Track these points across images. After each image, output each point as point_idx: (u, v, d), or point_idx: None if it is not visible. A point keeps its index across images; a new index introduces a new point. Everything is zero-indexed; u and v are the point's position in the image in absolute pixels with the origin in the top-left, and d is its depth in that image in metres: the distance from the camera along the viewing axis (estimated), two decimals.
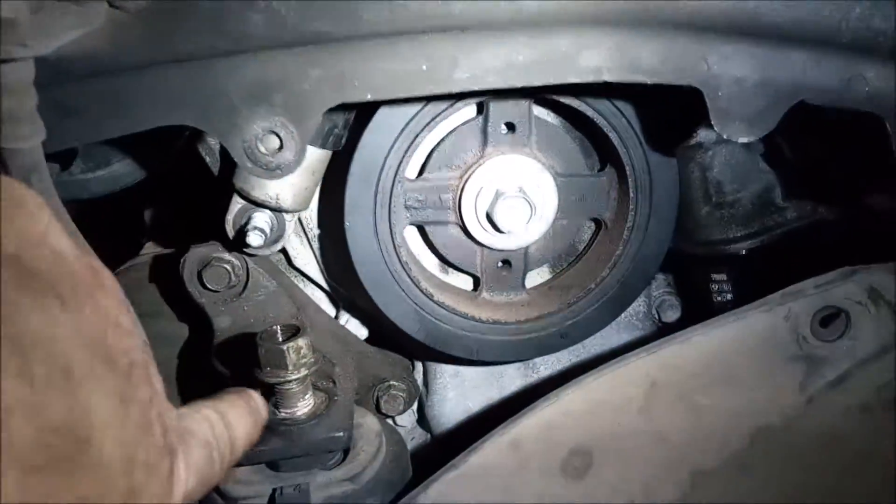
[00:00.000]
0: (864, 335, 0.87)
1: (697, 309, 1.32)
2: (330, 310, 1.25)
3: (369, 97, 0.77)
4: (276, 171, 0.78)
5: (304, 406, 0.95)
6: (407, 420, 1.34)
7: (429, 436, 1.34)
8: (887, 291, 0.86)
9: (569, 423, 0.92)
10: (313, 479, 0.93)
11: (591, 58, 0.78)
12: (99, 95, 0.72)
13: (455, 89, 0.78)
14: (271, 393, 0.93)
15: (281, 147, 0.77)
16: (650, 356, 0.91)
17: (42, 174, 0.67)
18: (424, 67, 0.76)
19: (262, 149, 0.76)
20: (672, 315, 1.35)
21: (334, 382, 1.02)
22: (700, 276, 1.32)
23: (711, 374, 0.91)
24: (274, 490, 0.92)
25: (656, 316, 1.36)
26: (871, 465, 0.89)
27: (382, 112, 1.01)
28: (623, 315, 1.24)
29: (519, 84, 0.79)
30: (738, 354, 0.90)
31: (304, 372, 0.90)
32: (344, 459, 0.98)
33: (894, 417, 0.87)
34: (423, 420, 1.33)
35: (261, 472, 0.96)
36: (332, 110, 0.79)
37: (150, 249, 1.47)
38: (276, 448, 0.93)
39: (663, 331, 1.34)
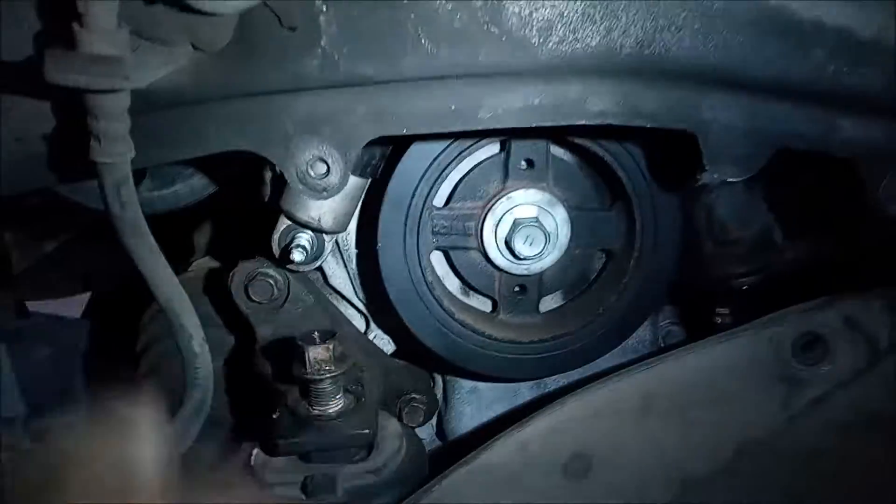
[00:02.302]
0: (842, 360, 0.96)
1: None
2: (359, 325, 1.37)
3: (405, 131, 0.89)
4: (322, 193, 0.91)
5: (335, 405, 1.05)
6: (426, 433, 1.43)
7: (446, 446, 1.43)
8: (862, 320, 0.95)
9: (572, 429, 1.02)
10: (340, 471, 1.04)
11: (598, 103, 0.89)
12: (176, 123, 0.86)
13: (479, 127, 0.90)
14: (307, 390, 1.04)
15: (328, 172, 0.89)
16: (647, 371, 1.01)
17: (129, 186, 0.80)
18: (453, 107, 0.89)
19: (312, 173, 0.89)
20: None
21: (362, 386, 1.13)
22: (704, 310, 1.42)
23: (702, 389, 1.00)
24: (305, 478, 1.03)
25: (662, 345, 1.44)
26: (848, 480, 0.97)
27: (415, 146, 1.13)
28: (630, 342, 1.33)
29: (534, 124, 0.91)
30: (726, 373, 0.99)
31: (336, 372, 1.01)
32: (368, 455, 1.09)
33: (869, 437, 0.95)
34: (441, 432, 1.43)
35: (294, 463, 1.07)
36: (370, 143, 0.91)
37: (197, 266, 1.61)
38: (308, 440, 1.04)
39: None
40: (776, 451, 0.98)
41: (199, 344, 0.91)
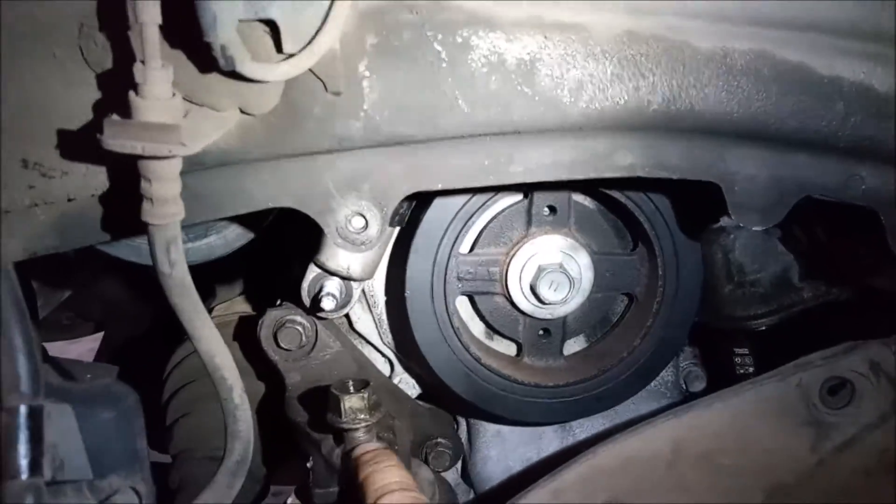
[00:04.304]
0: (867, 404, 0.98)
1: (722, 380, 1.42)
2: (384, 369, 1.39)
3: (440, 186, 0.92)
4: (361, 247, 0.93)
5: None
6: (451, 477, 1.44)
7: (472, 492, 1.44)
8: (886, 364, 0.97)
9: (604, 478, 1.03)
10: None
11: (625, 157, 0.93)
12: (223, 182, 0.89)
13: (510, 181, 0.93)
14: (341, 438, 1.05)
15: (366, 226, 0.92)
16: (676, 419, 1.03)
17: (178, 245, 0.82)
18: (486, 163, 0.92)
19: (351, 228, 0.92)
20: (698, 385, 1.46)
21: (394, 434, 1.14)
22: (724, 350, 1.44)
23: (731, 436, 1.02)
24: None
25: (683, 386, 1.46)
26: None
27: (442, 196, 1.16)
28: (653, 384, 1.35)
29: (564, 178, 0.94)
30: (755, 419, 1.01)
31: (371, 421, 1.03)
32: None
33: (894, 480, 0.97)
34: (466, 476, 1.44)
35: None
36: None
37: (218, 312, 1.63)
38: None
39: (689, 400, 1.44)
40: (805, 495, 0.99)
41: (240, 395, 0.92)
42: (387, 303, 1.27)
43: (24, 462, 0.62)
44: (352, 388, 1.04)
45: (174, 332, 1.57)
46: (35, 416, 0.62)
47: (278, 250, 1.45)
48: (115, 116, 0.75)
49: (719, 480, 1.00)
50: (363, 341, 1.36)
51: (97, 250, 1.13)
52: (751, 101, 0.90)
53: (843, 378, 0.98)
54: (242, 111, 0.83)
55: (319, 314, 1.20)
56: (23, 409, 0.62)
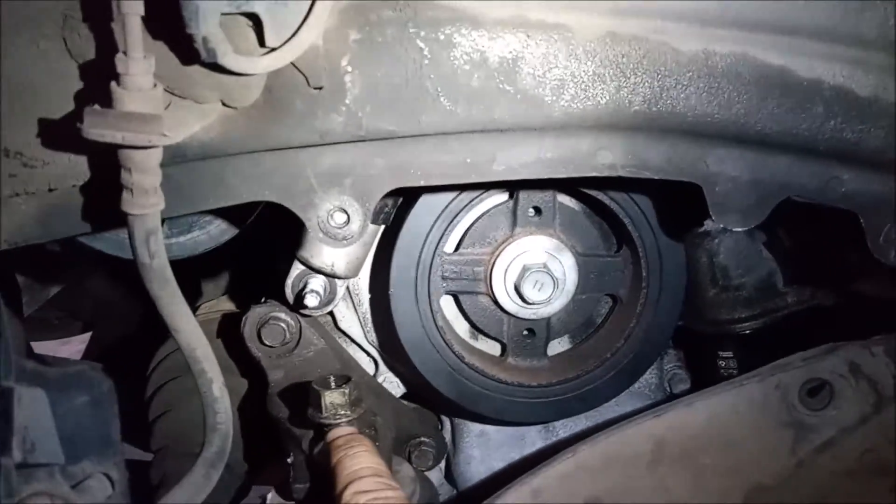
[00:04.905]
0: (847, 405, 0.99)
1: (706, 383, 1.42)
2: (369, 368, 1.38)
3: (422, 183, 0.93)
4: (342, 242, 0.93)
5: None
6: (435, 476, 1.44)
7: (455, 491, 1.44)
8: (866, 365, 0.97)
9: (584, 476, 1.03)
10: None
11: (607, 156, 0.93)
12: (204, 175, 0.89)
13: (493, 178, 0.94)
14: (322, 434, 1.05)
15: (348, 222, 0.92)
16: (657, 418, 1.03)
17: (158, 237, 0.82)
18: (468, 160, 0.92)
19: (333, 223, 0.92)
20: (682, 388, 1.46)
21: (376, 430, 1.14)
22: (708, 353, 1.44)
23: (712, 436, 1.02)
24: None
25: (668, 388, 1.46)
26: None
27: (427, 195, 1.16)
28: (637, 385, 1.35)
29: (546, 176, 0.94)
30: (735, 419, 1.01)
31: (352, 417, 1.03)
32: None
33: (874, 482, 0.97)
34: (449, 476, 1.44)
35: None
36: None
37: (206, 308, 1.63)
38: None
39: None
40: (784, 496, 1.00)
41: (220, 388, 0.92)
42: (371, 301, 1.28)
43: None
44: (333, 383, 1.04)
45: (162, 331, 1.57)
46: (4, 397, 0.62)
47: (262, 248, 1.45)
48: (96, 106, 0.75)
49: (700, 480, 1.00)
50: (347, 340, 1.36)
51: (83, 245, 1.13)
52: (732, 103, 0.91)
53: (822, 379, 0.98)
54: (224, 104, 0.83)
55: (303, 311, 1.20)
56: None
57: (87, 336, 2.50)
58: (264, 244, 1.44)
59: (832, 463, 0.99)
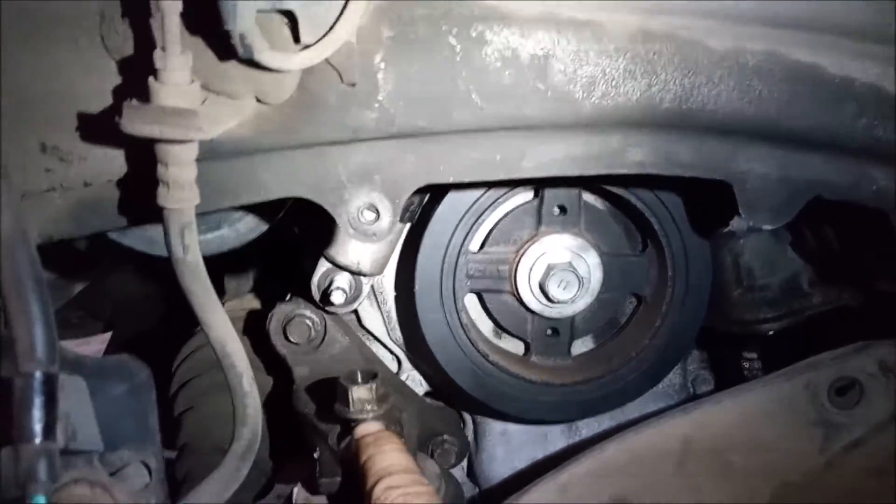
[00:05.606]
0: (877, 404, 0.98)
1: (729, 384, 1.42)
2: (392, 366, 1.39)
3: (451, 180, 0.93)
4: (371, 238, 0.94)
5: None
6: (457, 475, 1.44)
7: (477, 489, 1.44)
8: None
9: (612, 474, 1.03)
10: None
11: (637, 154, 0.93)
12: (236, 171, 0.90)
13: (522, 176, 0.94)
14: (348, 429, 1.06)
15: (377, 218, 0.93)
16: (686, 416, 1.03)
17: (192, 231, 0.83)
18: (498, 157, 0.92)
19: (362, 219, 0.93)
20: (705, 389, 1.45)
21: (401, 427, 1.15)
22: (733, 354, 1.44)
23: (740, 434, 1.02)
24: None
25: (691, 390, 1.46)
26: None
27: (452, 194, 1.17)
28: (661, 386, 1.35)
29: (575, 173, 0.94)
30: (764, 418, 1.01)
31: (378, 412, 1.03)
32: None
33: None
34: (471, 475, 1.44)
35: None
36: None
37: (228, 309, 1.64)
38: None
39: None
40: (813, 495, 0.99)
41: (249, 383, 0.93)
42: (396, 299, 1.28)
43: (38, 426, 0.62)
44: (360, 378, 1.04)
45: (183, 331, 1.58)
46: (50, 383, 0.63)
47: (288, 247, 1.46)
48: (134, 101, 0.76)
49: (727, 479, 1.00)
50: (371, 338, 1.36)
51: (109, 244, 1.14)
52: (763, 100, 0.91)
53: (852, 378, 0.98)
54: (259, 100, 0.84)
55: (329, 308, 1.21)
56: (38, 375, 0.63)
57: (107, 336, 2.51)
58: (288, 244, 1.45)
59: (861, 462, 0.98)
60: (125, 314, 2.38)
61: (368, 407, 1.03)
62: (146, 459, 0.76)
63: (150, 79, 0.76)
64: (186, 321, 1.56)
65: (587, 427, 1.40)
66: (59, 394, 0.63)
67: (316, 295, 1.20)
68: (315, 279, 1.21)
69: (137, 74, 0.77)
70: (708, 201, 1.18)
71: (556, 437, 1.41)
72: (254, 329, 1.40)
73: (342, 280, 1.20)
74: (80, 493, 0.69)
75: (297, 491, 1.10)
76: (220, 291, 1.68)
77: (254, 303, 1.60)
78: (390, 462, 0.92)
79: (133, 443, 0.76)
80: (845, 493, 0.98)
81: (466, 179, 0.94)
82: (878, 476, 0.97)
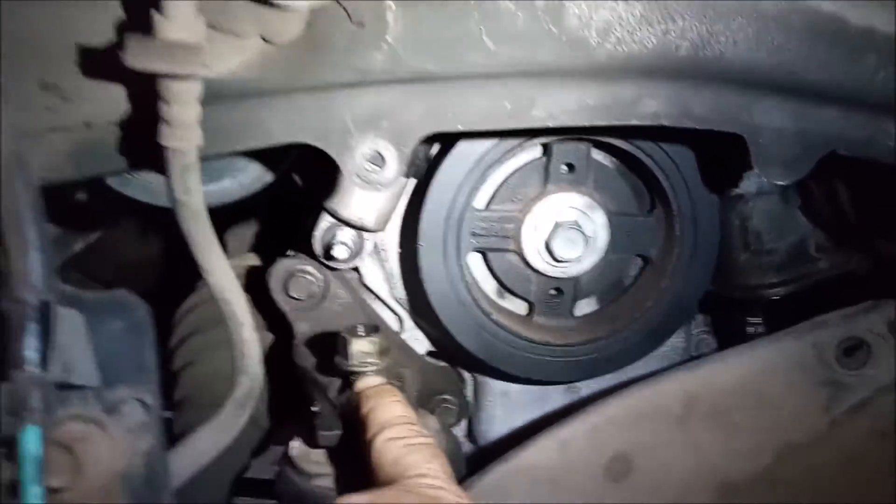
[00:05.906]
0: (884, 365, 0.97)
1: None
2: (393, 325, 1.38)
3: (459, 127, 0.91)
4: (376, 187, 0.92)
5: None
6: (457, 433, 1.44)
7: (480, 448, 1.44)
8: None
9: (613, 430, 1.03)
10: None
11: (650, 104, 0.91)
12: (240, 115, 0.87)
13: (532, 125, 0.92)
14: (348, 382, 1.05)
15: (383, 166, 0.91)
16: (689, 373, 1.02)
17: (195, 173, 0.81)
18: (508, 105, 0.90)
19: (367, 167, 0.91)
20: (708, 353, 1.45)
21: (402, 382, 1.14)
22: (737, 319, 1.42)
23: (744, 393, 1.01)
24: None
25: (694, 353, 1.45)
26: (887, 486, 0.97)
27: (457, 148, 1.15)
28: (663, 349, 1.34)
29: (587, 123, 0.93)
30: (769, 376, 1.00)
31: (380, 366, 1.02)
32: None
33: None
34: (471, 435, 1.44)
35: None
36: None
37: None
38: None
39: None
40: (816, 456, 0.99)
41: (250, 332, 0.92)
42: (400, 256, 1.27)
43: (32, 354, 0.61)
44: (361, 331, 1.03)
45: (184, 295, 1.57)
46: (46, 311, 0.62)
47: (290, 206, 1.44)
48: (137, 35, 0.74)
49: (730, 437, 0.99)
50: (373, 296, 1.35)
51: (110, 197, 1.12)
52: (780, 51, 0.89)
53: (859, 338, 0.97)
54: (264, 39, 0.82)
55: (331, 264, 1.19)
56: (33, 301, 0.61)
57: None
58: (290, 202, 1.43)
59: (866, 423, 0.98)
60: (125, 277, 2.37)
61: (369, 360, 1.01)
62: (143, 397, 0.75)
63: (153, 11, 0.73)
64: (188, 285, 1.55)
65: (588, 389, 1.39)
66: (56, 326, 0.62)
67: (318, 250, 1.19)
68: (317, 234, 1.19)
69: (141, 7, 0.75)
70: (718, 161, 1.16)
71: (556, 399, 1.40)
72: (255, 286, 1.38)
73: (345, 235, 1.18)
74: (75, 429, 0.68)
75: (295, 444, 1.09)
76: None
77: (255, 261, 1.58)
78: (392, 414, 0.91)
79: (130, 380, 0.75)
80: (850, 454, 0.98)
81: (475, 128, 0.92)
82: (882, 438, 0.97)
